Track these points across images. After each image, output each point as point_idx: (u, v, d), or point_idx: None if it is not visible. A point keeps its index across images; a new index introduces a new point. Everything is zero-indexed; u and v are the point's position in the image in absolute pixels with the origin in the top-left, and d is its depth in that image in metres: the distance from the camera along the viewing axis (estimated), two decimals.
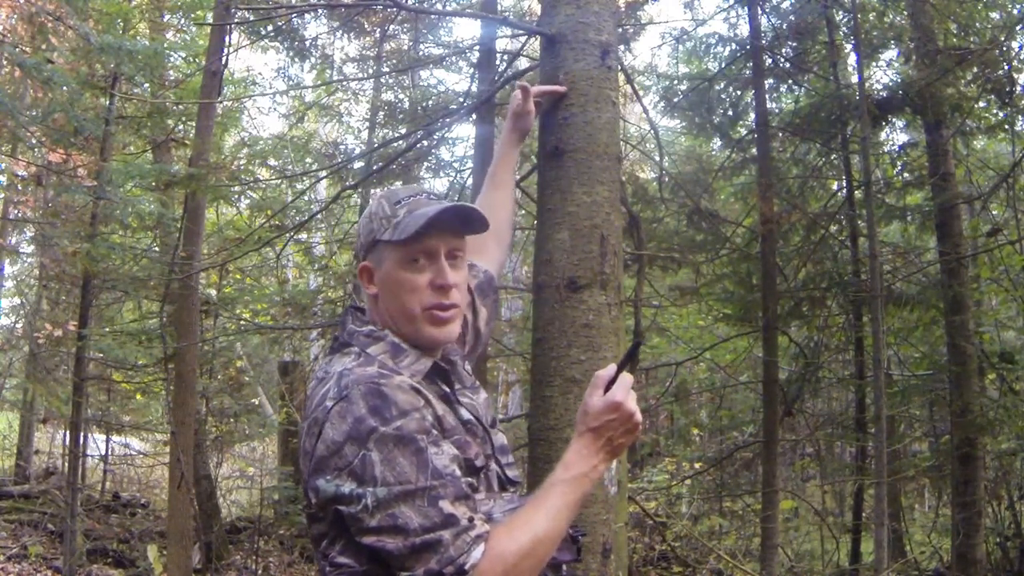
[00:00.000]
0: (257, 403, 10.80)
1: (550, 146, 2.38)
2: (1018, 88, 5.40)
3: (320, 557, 1.41)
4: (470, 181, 5.26)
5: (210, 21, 6.12)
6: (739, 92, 6.49)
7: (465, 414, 1.50)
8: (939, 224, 5.97)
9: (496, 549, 1.31)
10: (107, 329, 8.32)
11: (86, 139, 6.45)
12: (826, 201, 6.75)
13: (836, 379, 7.16)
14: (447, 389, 1.51)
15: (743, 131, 6.69)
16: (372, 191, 7.33)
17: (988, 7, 5.73)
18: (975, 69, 5.36)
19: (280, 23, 6.30)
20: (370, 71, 8.28)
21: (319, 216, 8.33)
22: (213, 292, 8.80)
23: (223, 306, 8.51)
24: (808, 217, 6.11)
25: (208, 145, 5.93)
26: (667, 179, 6.03)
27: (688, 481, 8.27)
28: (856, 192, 6.09)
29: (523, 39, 5.83)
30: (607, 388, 1.44)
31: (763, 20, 6.05)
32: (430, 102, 7.35)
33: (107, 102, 6.68)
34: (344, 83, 8.75)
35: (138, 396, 9.95)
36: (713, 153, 8.08)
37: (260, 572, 7.51)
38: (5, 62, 7.03)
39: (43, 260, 8.68)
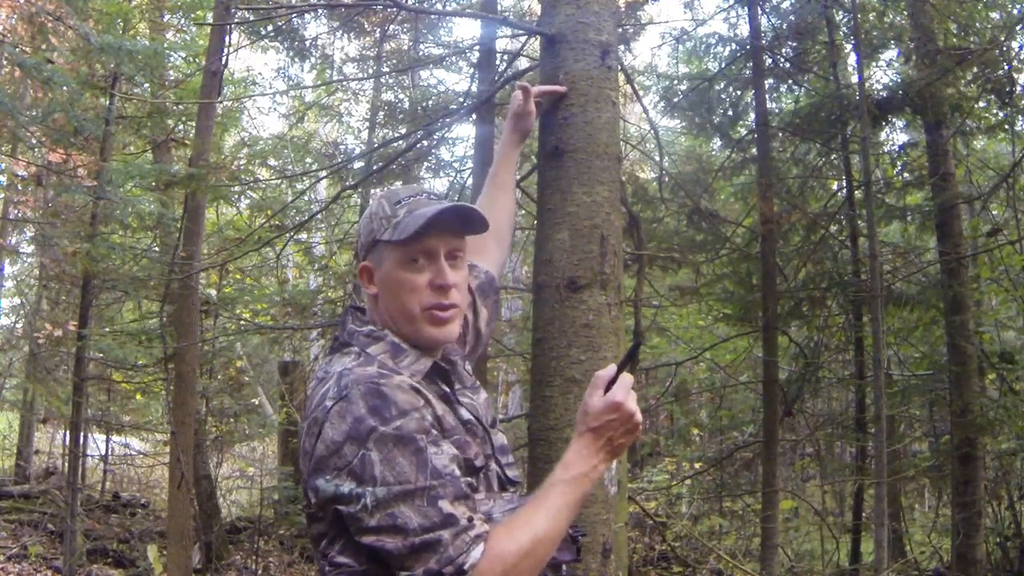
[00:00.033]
0: (257, 403, 10.80)
1: (550, 146, 2.38)
2: (1018, 88, 5.40)
3: (320, 557, 1.42)
4: (470, 181, 5.26)
5: (210, 21, 6.12)
6: (739, 92, 6.49)
7: (465, 414, 1.50)
8: (939, 224, 5.97)
9: (495, 549, 1.31)
10: (107, 329, 8.32)
11: (86, 139, 6.45)
12: (826, 201, 6.75)
13: (836, 379, 7.16)
14: (447, 389, 1.51)
15: (743, 131, 6.69)
16: (372, 191, 7.33)
17: (988, 7, 5.73)
18: (975, 69, 5.36)
19: (280, 23, 6.30)
20: (370, 71, 8.28)
21: (319, 216, 8.33)
22: (213, 292, 8.80)
23: (223, 306, 8.51)
24: (808, 217, 6.11)
25: (208, 145, 5.93)
26: (667, 179, 6.03)
27: (688, 481, 8.27)
28: (856, 192, 6.09)
29: (523, 39, 5.83)
30: (607, 388, 1.44)
31: (763, 20, 6.05)
32: (430, 102, 7.35)
33: (107, 102, 6.68)
34: (344, 83, 8.76)
35: (138, 396, 9.96)
36: (713, 153, 8.08)
37: (260, 572, 7.51)
38: (5, 62, 7.04)
39: (43, 260, 8.68)
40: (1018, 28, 5.34)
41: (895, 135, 7.96)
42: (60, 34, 6.82)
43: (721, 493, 7.97)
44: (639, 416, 1.44)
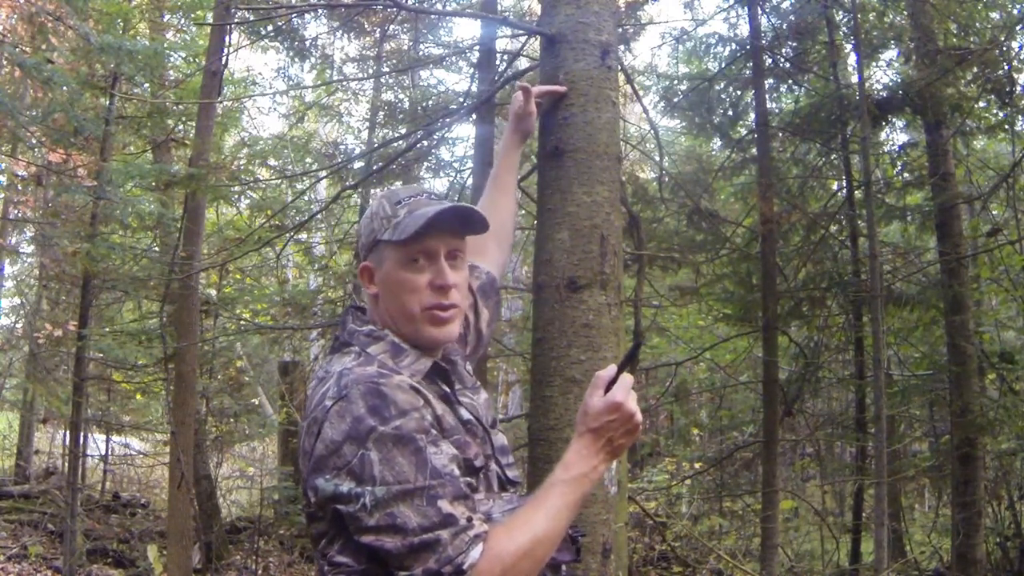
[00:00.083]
0: (257, 403, 10.80)
1: (550, 146, 2.38)
2: (1018, 88, 5.40)
3: (319, 556, 1.42)
4: (470, 181, 5.26)
5: (210, 21, 6.12)
6: (739, 92, 6.49)
7: (465, 414, 1.50)
8: (939, 224, 5.97)
9: (495, 549, 1.31)
10: (107, 329, 8.33)
11: (86, 139, 6.45)
12: (826, 201, 6.75)
13: (836, 379, 7.16)
14: (447, 389, 1.51)
15: (743, 131, 6.69)
16: (372, 191, 7.34)
17: (988, 7, 5.73)
18: (975, 69, 5.36)
19: (280, 23, 6.30)
20: (370, 71, 8.28)
21: (319, 216, 8.33)
22: (213, 292, 8.80)
23: (223, 306, 8.52)
24: (808, 217, 6.11)
25: (208, 145, 5.94)
26: (667, 179, 6.03)
27: (688, 481, 8.27)
28: (856, 192, 6.09)
29: (523, 39, 5.83)
30: (607, 388, 1.44)
31: (763, 20, 6.05)
32: (430, 102, 7.35)
33: (107, 102, 6.68)
34: (344, 83, 8.76)
35: (138, 396, 9.96)
36: (713, 153, 8.08)
37: (260, 572, 7.51)
38: (5, 62, 7.04)
39: (43, 260, 8.68)
40: (1018, 28, 5.34)
41: (895, 135, 7.97)
42: (60, 34, 6.82)
43: (721, 493, 7.98)
44: (639, 416, 1.44)
